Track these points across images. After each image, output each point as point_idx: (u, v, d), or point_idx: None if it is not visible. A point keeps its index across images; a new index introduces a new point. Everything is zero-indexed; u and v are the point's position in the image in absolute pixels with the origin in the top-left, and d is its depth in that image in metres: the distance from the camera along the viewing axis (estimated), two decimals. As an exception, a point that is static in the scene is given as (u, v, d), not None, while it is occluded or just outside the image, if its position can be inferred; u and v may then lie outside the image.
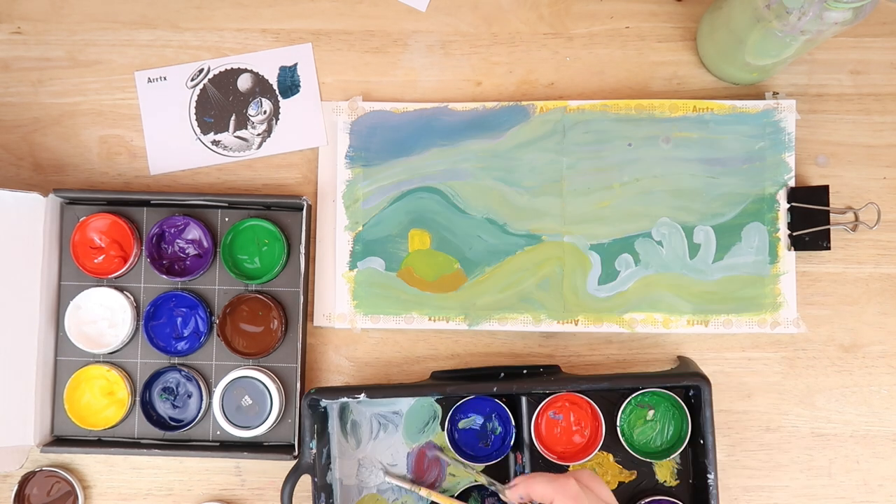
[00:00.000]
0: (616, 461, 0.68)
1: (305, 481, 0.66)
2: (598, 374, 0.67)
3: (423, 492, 0.67)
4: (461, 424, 0.68)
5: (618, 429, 0.66)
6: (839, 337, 0.70)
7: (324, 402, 0.66)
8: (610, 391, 0.67)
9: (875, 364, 0.70)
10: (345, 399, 0.65)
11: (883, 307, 0.70)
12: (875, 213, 0.70)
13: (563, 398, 0.66)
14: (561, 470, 0.67)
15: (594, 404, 0.65)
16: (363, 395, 0.65)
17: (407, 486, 0.67)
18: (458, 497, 0.67)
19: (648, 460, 0.66)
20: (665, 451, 0.67)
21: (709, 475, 0.64)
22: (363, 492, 0.69)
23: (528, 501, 0.57)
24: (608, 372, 0.70)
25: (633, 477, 0.68)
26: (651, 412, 0.67)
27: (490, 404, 0.68)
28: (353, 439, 0.69)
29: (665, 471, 0.68)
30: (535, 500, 0.55)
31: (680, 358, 0.69)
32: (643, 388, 0.66)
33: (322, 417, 0.67)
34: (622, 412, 0.66)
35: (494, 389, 0.65)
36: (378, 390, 0.66)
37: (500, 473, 0.68)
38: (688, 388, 0.66)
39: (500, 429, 0.68)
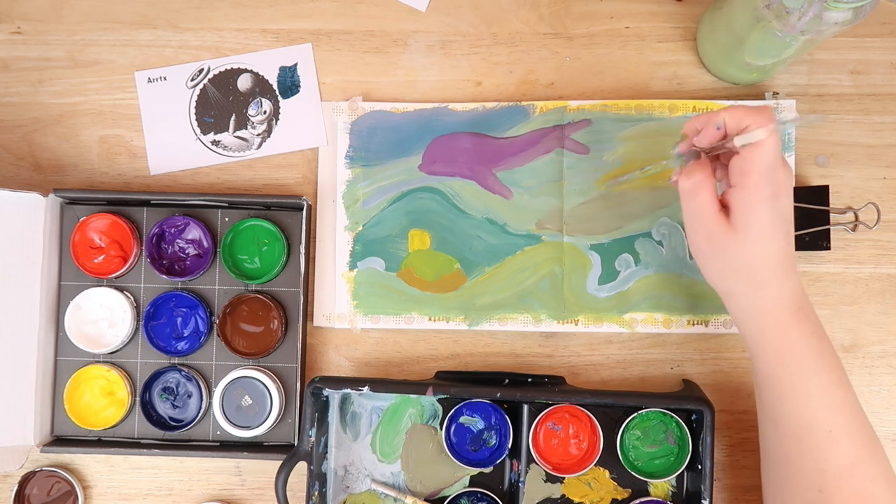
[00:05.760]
0: (611, 478, 0.67)
1: (300, 473, 0.66)
2: (603, 390, 0.67)
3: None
4: (461, 421, 0.68)
5: (617, 445, 0.66)
6: (839, 337, 0.70)
7: (326, 392, 0.66)
8: (612, 407, 0.67)
9: (875, 364, 0.70)
10: (347, 390, 0.65)
11: (883, 307, 0.70)
12: (875, 213, 0.70)
13: (564, 410, 0.66)
14: (556, 481, 0.67)
15: (594, 419, 0.65)
16: (366, 387, 0.65)
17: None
18: None
19: (644, 479, 0.66)
20: (662, 472, 0.66)
21: (703, 501, 0.63)
22: None
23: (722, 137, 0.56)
24: (611, 379, 0.70)
25: (628, 495, 0.67)
26: (668, 437, 0.67)
27: (490, 409, 0.67)
28: (352, 431, 0.69)
29: (660, 492, 0.67)
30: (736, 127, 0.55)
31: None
32: (646, 408, 0.65)
33: (323, 406, 0.67)
34: (623, 429, 0.66)
35: (498, 395, 0.65)
36: (382, 384, 0.66)
37: (494, 480, 0.68)
38: (690, 411, 0.66)
39: (494, 440, 0.67)
